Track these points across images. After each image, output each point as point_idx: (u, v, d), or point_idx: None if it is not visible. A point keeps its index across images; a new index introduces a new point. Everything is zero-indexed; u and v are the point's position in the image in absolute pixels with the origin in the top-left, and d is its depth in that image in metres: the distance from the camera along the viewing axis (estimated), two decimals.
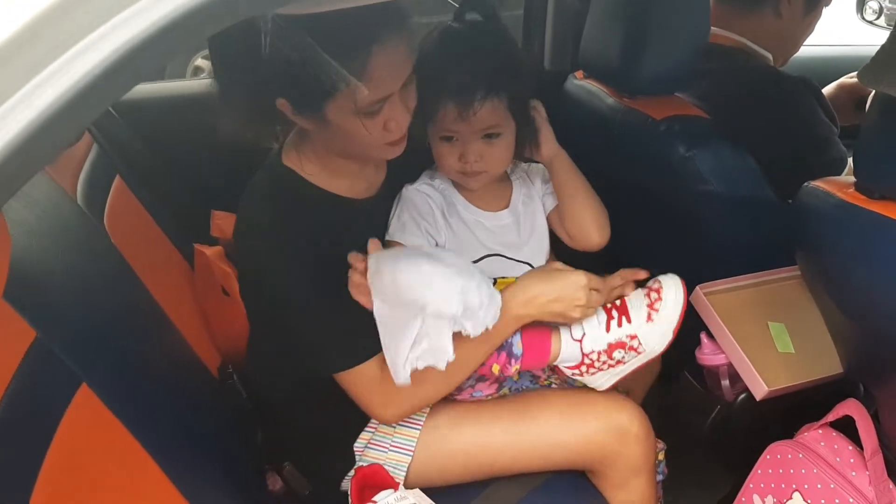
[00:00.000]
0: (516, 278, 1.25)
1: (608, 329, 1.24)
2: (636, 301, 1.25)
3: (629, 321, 1.24)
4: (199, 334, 1.44)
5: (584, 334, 1.24)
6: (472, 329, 1.12)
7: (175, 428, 1.08)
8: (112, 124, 1.73)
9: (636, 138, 1.55)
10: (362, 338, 1.19)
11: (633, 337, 1.23)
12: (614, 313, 1.25)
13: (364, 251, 1.21)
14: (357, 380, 1.23)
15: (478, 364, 1.24)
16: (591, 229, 1.41)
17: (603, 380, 1.28)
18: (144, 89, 1.91)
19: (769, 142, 1.55)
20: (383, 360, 1.18)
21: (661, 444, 1.42)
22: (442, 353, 1.12)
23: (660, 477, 1.40)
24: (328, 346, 1.22)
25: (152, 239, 1.52)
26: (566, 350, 1.25)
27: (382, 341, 1.15)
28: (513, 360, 1.24)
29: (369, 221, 1.32)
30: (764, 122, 1.58)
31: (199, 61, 4.12)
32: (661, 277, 1.27)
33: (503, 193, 1.41)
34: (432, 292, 1.10)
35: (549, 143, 1.36)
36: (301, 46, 0.95)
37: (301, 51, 0.95)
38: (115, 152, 1.58)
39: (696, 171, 1.47)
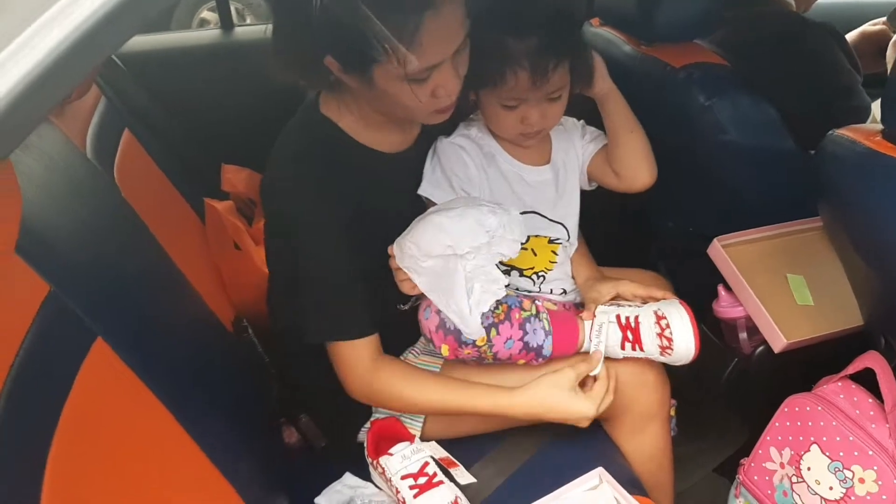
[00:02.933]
0: (530, 383, 1.22)
1: (622, 348, 1.26)
2: (647, 328, 1.25)
3: (641, 349, 1.25)
4: (211, 288, 1.43)
5: (601, 346, 1.26)
6: (510, 251, 1.14)
7: (191, 381, 1.07)
8: (119, 76, 1.71)
9: (654, 87, 1.52)
10: (363, 314, 1.20)
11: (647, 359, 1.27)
12: (629, 335, 1.25)
13: (397, 206, 1.22)
14: (345, 353, 1.22)
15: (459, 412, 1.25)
16: (643, 167, 1.38)
17: None
18: (150, 41, 1.89)
19: (790, 90, 1.52)
20: (376, 346, 1.22)
21: (672, 402, 1.41)
22: (495, 284, 1.13)
23: (672, 433, 1.40)
24: (329, 313, 1.21)
25: (163, 193, 1.51)
26: None
27: (443, 309, 1.14)
28: (540, 359, 1.25)
29: (403, 176, 1.30)
30: (785, 70, 1.54)
31: (206, 13, 4.07)
32: (668, 310, 1.25)
33: (544, 147, 1.39)
34: (453, 234, 1.10)
35: (603, 78, 1.33)
36: (351, 7, 0.93)
37: (351, 12, 0.93)
38: (124, 105, 1.56)
39: (716, 120, 1.44)
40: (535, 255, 1.37)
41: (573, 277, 1.42)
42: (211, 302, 1.35)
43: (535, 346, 1.22)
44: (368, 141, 1.24)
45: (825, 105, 1.53)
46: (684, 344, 1.23)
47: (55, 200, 1.01)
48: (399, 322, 1.29)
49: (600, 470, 1.16)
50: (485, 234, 1.11)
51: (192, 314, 1.24)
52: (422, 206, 1.28)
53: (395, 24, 0.96)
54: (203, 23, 4.05)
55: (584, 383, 1.24)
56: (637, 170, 1.38)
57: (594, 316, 1.28)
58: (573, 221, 1.40)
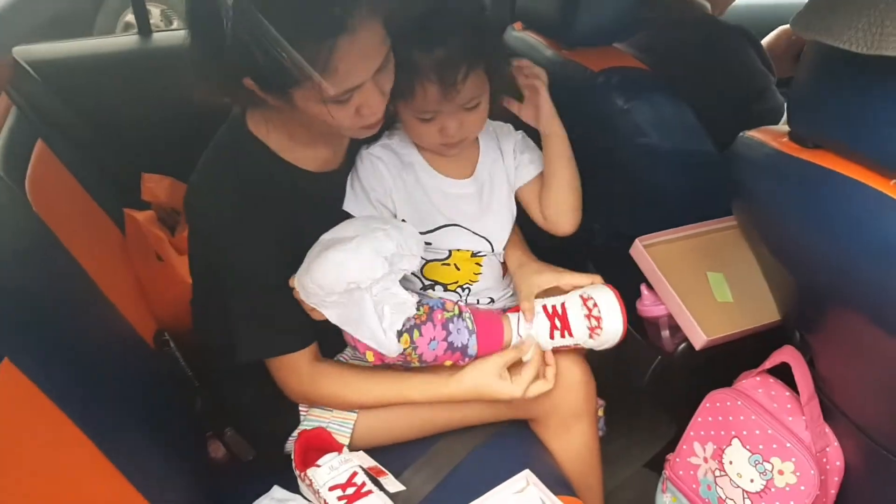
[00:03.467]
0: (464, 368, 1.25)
1: (552, 336, 1.27)
2: (574, 312, 1.26)
3: (571, 334, 1.26)
4: (132, 302, 1.40)
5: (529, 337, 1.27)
6: (410, 265, 1.15)
7: (107, 399, 1.04)
8: (32, 85, 1.65)
9: (576, 90, 1.53)
10: (297, 327, 1.21)
11: (576, 346, 1.27)
12: (557, 322, 1.26)
13: (327, 223, 1.20)
14: (282, 365, 1.24)
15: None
16: (568, 218, 1.38)
17: None
18: (64, 48, 1.83)
19: (707, 92, 1.55)
20: (313, 354, 1.25)
21: (601, 402, 1.43)
22: (405, 305, 1.15)
23: (600, 433, 1.42)
24: (257, 333, 1.21)
25: (79, 205, 1.47)
26: None
27: (357, 335, 1.16)
28: (467, 359, 1.25)
29: (333, 194, 1.29)
30: (702, 72, 1.58)
31: (129, 17, 3.97)
32: (594, 292, 1.27)
33: (469, 159, 1.36)
34: (353, 270, 1.10)
35: (548, 119, 1.33)
36: (262, 32, 0.91)
37: (262, 36, 0.91)
38: (36, 115, 1.51)
39: (635, 123, 1.46)
40: (458, 269, 1.36)
41: (503, 264, 1.42)
42: (130, 315, 1.31)
43: (459, 345, 1.22)
44: (296, 159, 1.22)
45: (740, 107, 1.57)
46: (613, 322, 1.24)
47: None
48: (331, 327, 1.28)
49: (527, 472, 1.17)
50: (384, 262, 1.11)
51: (107, 329, 1.21)
52: None
53: (307, 49, 0.94)
54: (128, 27, 3.95)
55: (517, 369, 1.25)
56: (560, 217, 1.38)
57: (531, 309, 1.28)
58: (501, 236, 1.38)
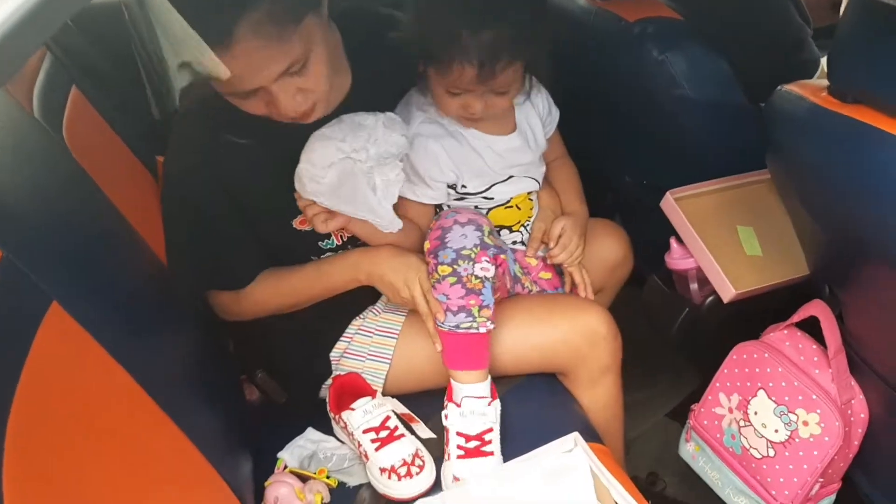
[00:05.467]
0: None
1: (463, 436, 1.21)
2: None
3: (448, 458, 1.21)
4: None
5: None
6: (398, 147, 1.19)
7: (148, 341, 1.07)
8: (65, 31, 1.66)
9: (609, 41, 1.53)
10: (228, 269, 1.29)
11: (448, 458, 1.21)
12: (472, 443, 1.19)
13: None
14: (212, 298, 1.34)
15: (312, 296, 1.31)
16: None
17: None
18: None
19: (742, 43, 1.54)
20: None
21: None
22: (393, 172, 1.19)
23: None
24: (193, 268, 1.28)
25: (114, 152, 1.48)
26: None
27: (353, 214, 1.20)
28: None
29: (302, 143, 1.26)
30: (737, 23, 1.56)
31: None
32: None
33: (506, 114, 1.36)
34: (337, 136, 1.15)
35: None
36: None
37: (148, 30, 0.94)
38: (71, 61, 1.52)
39: (669, 74, 1.45)
40: (519, 209, 1.40)
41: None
42: (165, 260, 1.34)
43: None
44: None
45: (775, 58, 1.55)
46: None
47: (4, 164, 0.99)
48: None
49: (576, 434, 1.17)
50: (365, 130, 1.15)
51: (146, 273, 1.23)
52: None
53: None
54: None
55: None
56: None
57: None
58: (543, 169, 1.43)
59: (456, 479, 1.16)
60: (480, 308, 1.19)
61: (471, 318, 1.19)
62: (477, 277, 1.17)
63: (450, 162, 1.30)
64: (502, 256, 1.20)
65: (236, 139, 1.22)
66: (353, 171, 1.15)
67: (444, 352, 1.24)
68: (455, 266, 1.17)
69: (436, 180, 1.30)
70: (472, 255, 1.17)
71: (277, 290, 1.30)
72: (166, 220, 1.31)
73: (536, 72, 1.28)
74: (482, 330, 1.20)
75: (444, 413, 1.23)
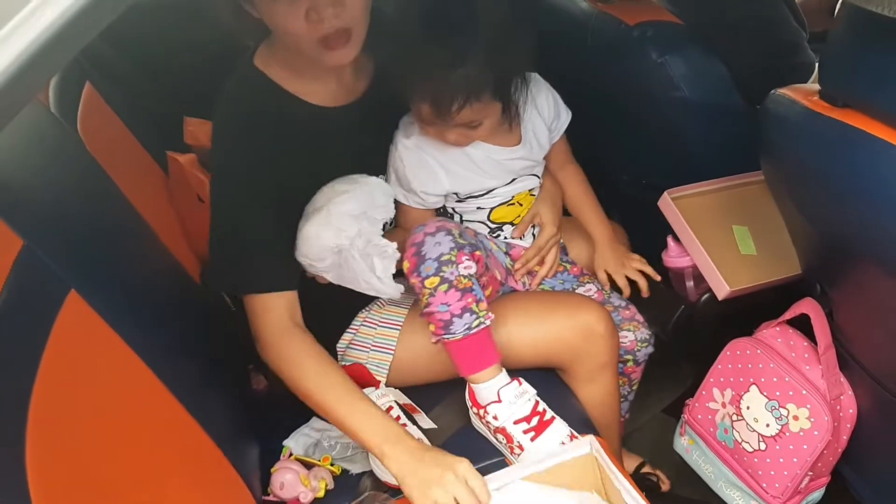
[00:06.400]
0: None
1: (517, 422, 1.22)
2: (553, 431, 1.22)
3: (521, 448, 1.21)
4: (177, 240, 1.45)
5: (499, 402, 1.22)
6: (385, 215, 1.25)
7: (161, 330, 1.10)
8: None
9: (609, 44, 1.56)
10: (277, 268, 1.23)
11: (520, 448, 1.21)
12: (534, 420, 1.22)
13: (331, 162, 1.24)
14: (257, 307, 1.23)
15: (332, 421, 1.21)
16: None
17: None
18: None
19: (738, 46, 1.57)
20: (293, 306, 1.24)
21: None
22: (389, 249, 1.20)
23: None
24: (236, 265, 1.24)
25: (126, 146, 1.52)
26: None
27: (358, 289, 1.23)
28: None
29: (339, 132, 1.28)
30: (734, 27, 1.59)
31: None
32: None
33: (512, 126, 1.37)
34: (329, 238, 1.19)
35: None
36: None
37: None
38: (85, 58, 1.55)
39: (668, 76, 1.48)
40: (521, 205, 1.43)
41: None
42: (177, 253, 1.37)
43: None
44: (301, 92, 1.25)
45: (770, 61, 1.58)
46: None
47: (24, 157, 1.03)
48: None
49: (591, 437, 1.18)
50: (353, 221, 1.18)
51: (159, 265, 1.26)
52: (364, 165, 1.31)
53: None
54: None
55: None
56: None
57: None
58: (544, 164, 1.45)
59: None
60: (478, 303, 1.21)
61: (475, 316, 1.21)
62: (465, 277, 1.19)
63: (446, 181, 1.32)
64: (478, 252, 1.23)
65: (276, 125, 1.22)
66: (349, 257, 1.19)
67: (460, 361, 1.23)
68: (441, 274, 1.18)
69: (429, 194, 1.33)
70: (453, 258, 1.18)
71: (307, 389, 1.20)
72: (213, 205, 1.26)
73: (510, 93, 1.27)
74: (487, 322, 1.22)
75: (485, 422, 1.23)
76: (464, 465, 1.11)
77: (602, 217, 1.51)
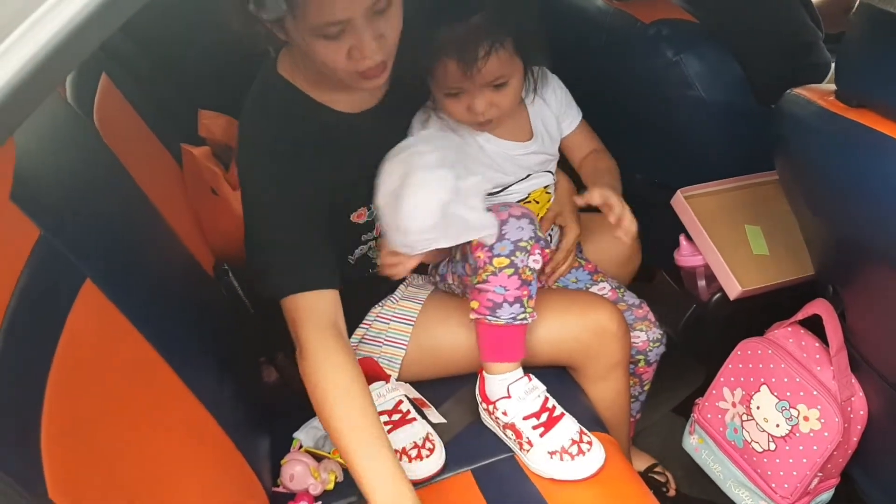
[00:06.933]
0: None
1: (526, 417, 1.22)
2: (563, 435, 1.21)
3: (530, 444, 1.20)
4: (191, 233, 1.46)
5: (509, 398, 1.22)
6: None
7: (176, 321, 1.11)
8: None
9: (624, 42, 1.56)
10: (315, 267, 1.20)
11: (529, 444, 1.21)
12: (543, 416, 1.21)
13: (356, 167, 1.22)
14: (295, 307, 1.18)
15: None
16: None
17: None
18: None
19: (754, 46, 1.56)
20: (335, 306, 1.19)
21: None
22: (477, 184, 1.15)
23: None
24: (275, 268, 1.21)
25: (141, 138, 1.52)
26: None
27: (468, 239, 1.17)
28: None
29: (362, 138, 1.27)
30: (749, 26, 1.59)
31: None
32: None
33: (522, 116, 1.38)
34: (433, 199, 1.10)
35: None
36: None
37: None
38: (101, 49, 1.56)
39: (683, 75, 1.48)
40: (538, 202, 1.42)
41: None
42: (191, 245, 1.38)
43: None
44: (327, 100, 1.24)
45: (786, 60, 1.58)
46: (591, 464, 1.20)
47: (42, 147, 1.03)
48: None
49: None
50: (446, 171, 1.11)
51: (173, 256, 1.27)
52: None
53: None
54: None
55: None
56: None
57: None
58: (557, 159, 1.45)
59: (552, 453, 1.18)
60: (529, 298, 1.22)
61: (523, 309, 1.21)
62: (530, 269, 1.20)
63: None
64: (547, 251, 1.22)
65: (302, 130, 1.22)
66: (454, 209, 1.12)
67: (489, 346, 1.23)
68: (512, 258, 1.18)
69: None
70: (528, 247, 1.18)
71: (330, 421, 1.13)
72: (247, 214, 1.25)
73: (530, 56, 1.27)
74: (530, 320, 1.22)
75: (494, 417, 1.24)
76: None
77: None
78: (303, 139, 1.20)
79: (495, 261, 1.18)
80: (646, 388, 1.54)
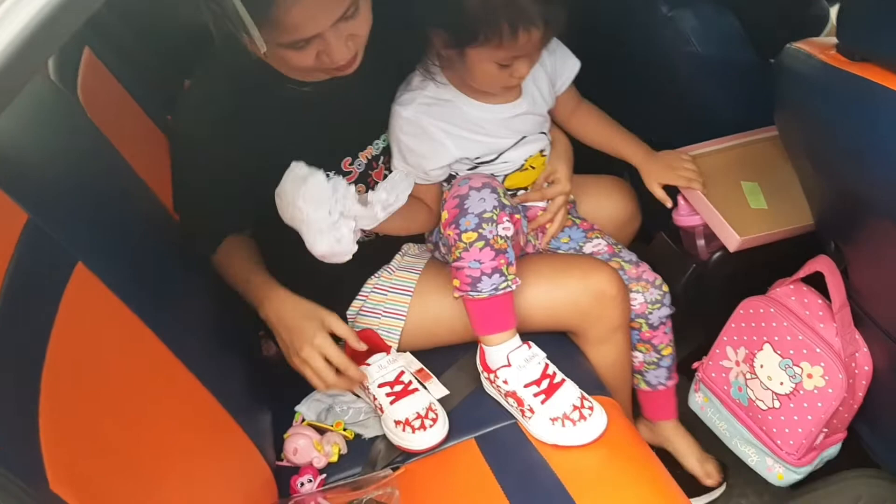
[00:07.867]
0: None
1: (527, 385, 1.21)
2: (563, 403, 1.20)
3: (532, 412, 1.20)
4: None
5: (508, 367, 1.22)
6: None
7: (170, 299, 1.10)
8: None
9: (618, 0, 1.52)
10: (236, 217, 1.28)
11: (531, 411, 1.20)
12: (544, 383, 1.21)
13: (311, 139, 1.22)
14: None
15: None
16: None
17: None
18: None
19: None
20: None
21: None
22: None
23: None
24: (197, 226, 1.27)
25: (127, 112, 1.50)
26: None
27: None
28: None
29: (330, 102, 1.25)
30: None
31: None
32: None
33: None
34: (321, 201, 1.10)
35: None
36: None
37: None
38: (84, 23, 1.52)
39: (678, 31, 1.45)
40: (534, 168, 1.40)
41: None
42: None
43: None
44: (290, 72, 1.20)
45: (783, 12, 1.55)
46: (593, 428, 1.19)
47: (25, 127, 1.01)
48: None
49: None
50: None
51: (165, 233, 1.25)
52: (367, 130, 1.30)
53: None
54: None
55: None
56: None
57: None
58: (550, 121, 1.43)
59: (553, 420, 1.17)
60: (508, 266, 1.21)
61: (503, 278, 1.20)
62: (501, 237, 1.19)
63: (453, 147, 1.29)
64: (517, 216, 1.22)
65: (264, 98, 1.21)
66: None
67: (479, 320, 1.23)
68: (480, 230, 1.18)
69: (434, 168, 1.31)
70: (494, 217, 1.18)
71: (223, 269, 1.31)
72: (175, 165, 1.31)
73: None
74: (513, 287, 1.22)
75: (496, 386, 1.24)
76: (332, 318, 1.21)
77: (632, 137, 1.49)
78: (256, 110, 1.20)
79: (464, 236, 1.18)
80: (664, 352, 1.50)
